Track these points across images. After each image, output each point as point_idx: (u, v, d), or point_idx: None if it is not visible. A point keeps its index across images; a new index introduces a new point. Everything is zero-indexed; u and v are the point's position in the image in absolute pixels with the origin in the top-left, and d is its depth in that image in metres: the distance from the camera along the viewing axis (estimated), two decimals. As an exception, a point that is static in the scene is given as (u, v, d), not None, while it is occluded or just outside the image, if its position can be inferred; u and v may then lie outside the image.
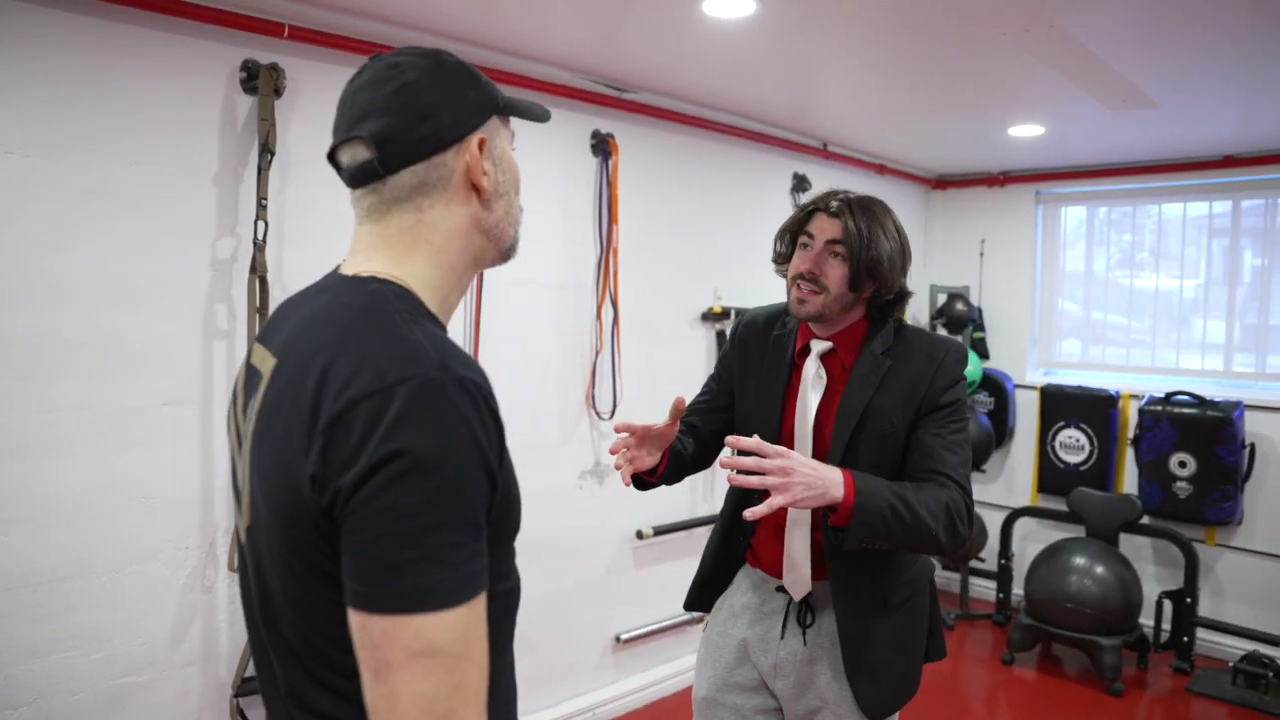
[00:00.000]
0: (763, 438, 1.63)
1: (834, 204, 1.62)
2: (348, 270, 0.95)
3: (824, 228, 1.61)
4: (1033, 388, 4.56)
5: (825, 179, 4.14)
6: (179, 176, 2.21)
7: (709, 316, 3.69)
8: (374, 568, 0.74)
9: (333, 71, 2.45)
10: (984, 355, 4.65)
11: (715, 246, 3.72)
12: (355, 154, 0.93)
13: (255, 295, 2.28)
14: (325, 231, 2.49)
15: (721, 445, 1.82)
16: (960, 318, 4.50)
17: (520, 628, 2.98)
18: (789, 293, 1.67)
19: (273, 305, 2.37)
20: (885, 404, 1.58)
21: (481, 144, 0.95)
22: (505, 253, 1.04)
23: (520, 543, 3.15)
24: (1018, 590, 4.32)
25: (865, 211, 1.60)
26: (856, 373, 1.62)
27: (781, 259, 1.74)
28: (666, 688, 3.55)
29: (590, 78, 3.11)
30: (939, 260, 4.94)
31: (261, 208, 2.27)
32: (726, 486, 1.70)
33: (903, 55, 2.79)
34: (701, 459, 1.82)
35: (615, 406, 3.32)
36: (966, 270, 4.80)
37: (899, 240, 1.63)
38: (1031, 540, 4.45)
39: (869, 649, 1.62)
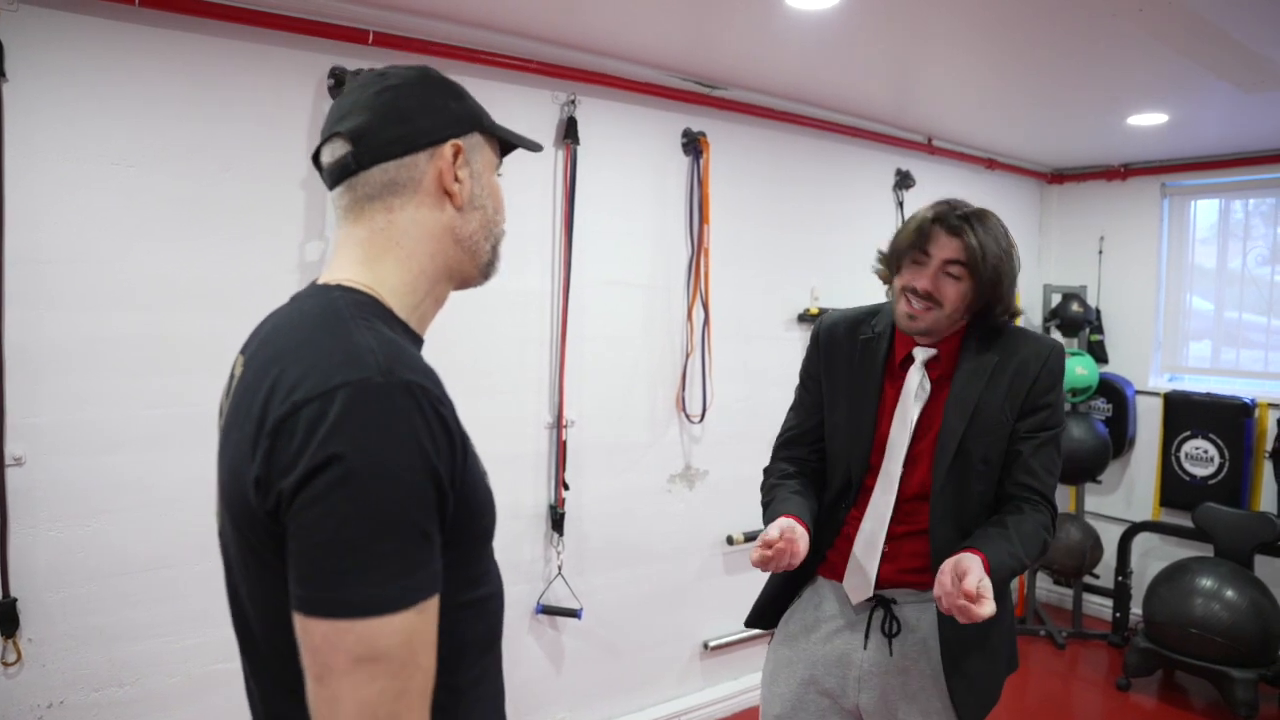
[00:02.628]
0: (855, 451, 1.63)
1: (954, 220, 1.54)
2: (322, 279, 0.96)
3: (942, 246, 1.55)
4: (1155, 394, 4.25)
5: (930, 175, 3.97)
6: (270, 182, 2.28)
7: (806, 318, 3.58)
8: (315, 572, 0.74)
9: (421, 75, 2.48)
10: (1102, 359, 4.37)
11: (812, 246, 3.61)
12: (334, 150, 0.94)
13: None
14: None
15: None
16: (1076, 319, 4.23)
17: (605, 631, 2.93)
18: (897, 303, 1.61)
19: (363, 307, 2.41)
20: (994, 400, 1.55)
21: (457, 151, 0.95)
22: (483, 269, 1.04)
23: (605, 546, 3.14)
24: (1136, 610, 4.03)
25: (986, 229, 1.55)
26: (963, 369, 1.57)
27: (891, 267, 1.66)
28: (755, 697, 3.44)
29: (680, 75, 3.06)
30: (1054, 259, 4.67)
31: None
32: None
33: (1006, 41, 2.62)
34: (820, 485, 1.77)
35: (705, 410, 3.26)
36: (1084, 269, 4.51)
37: (1014, 255, 1.59)
38: (1153, 557, 4.15)
39: (968, 656, 1.57)
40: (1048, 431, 1.56)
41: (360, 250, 0.94)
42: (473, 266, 1.02)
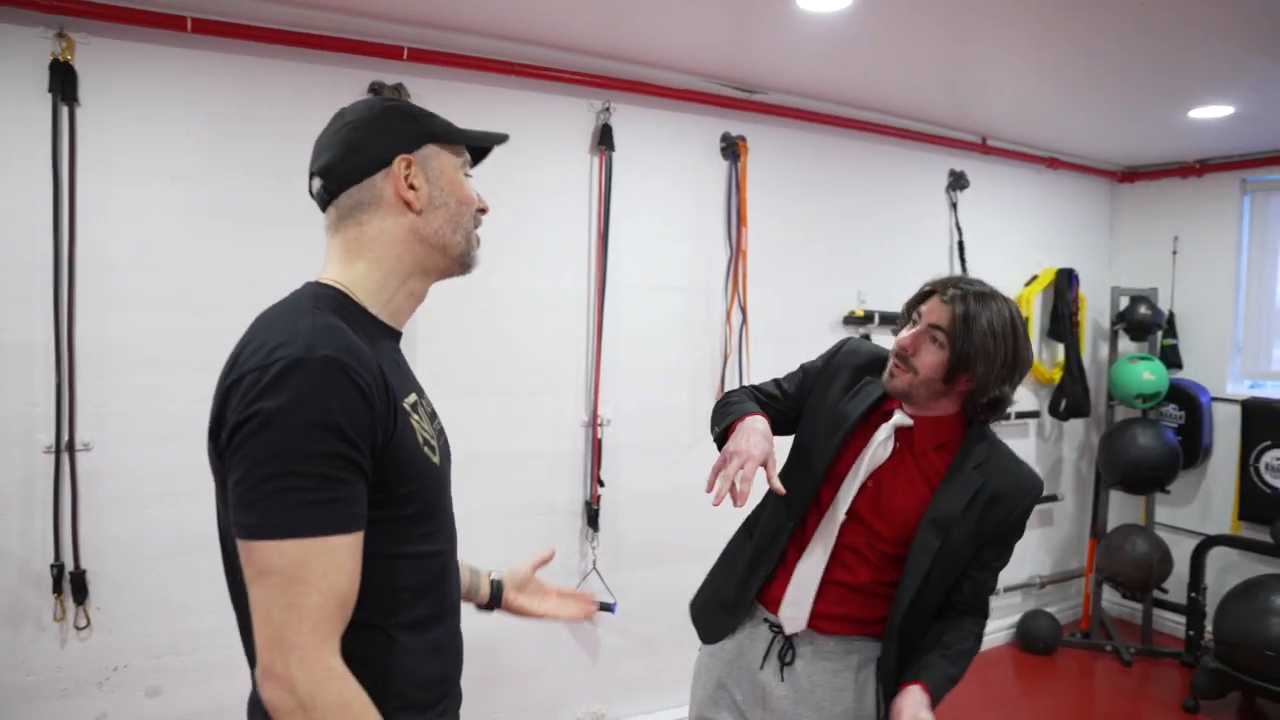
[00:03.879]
0: (808, 477, 1.66)
1: (950, 291, 1.55)
2: (316, 278, 1.13)
3: (932, 310, 1.56)
4: (1234, 401, 4.04)
5: (986, 175, 3.90)
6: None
7: (851, 320, 3.57)
8: (237, 502, 0.93)
9: (454, 88, 2.62)
10: (1175, 364, 4.18)
11: (858, 248, 3.60)
12: (314, 185, 1.13)
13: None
14: (450, 239, 2.66)
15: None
16: (1144, 323, 4.06)
17: (640, 628, 3.03)
18: (889, 363, 1.64)
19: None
20: (966, 529, 1.57)
21: (408, 164, 1.11)
22: (459, 260, 1.17)
23: (642, 543, 3.20)
24: (1211, 627, 3.83)
25: (981, 306, 1.52)
26: (950, 484, 1.58)
27: (900, 327, 1.69)
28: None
29: (717, 81, 3.12)
30: (1124, 261, 4.49)
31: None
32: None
33: (1060, 31, 2.55)
34: None
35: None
36: (1156, 271, 4.33)
37: (1010, 345, 1.53)
38: (1231, 573, 3.93)
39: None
40: (998, 562, 1.62)
41: (340, 256, 1.12)
42: (445, 259, 1.15)
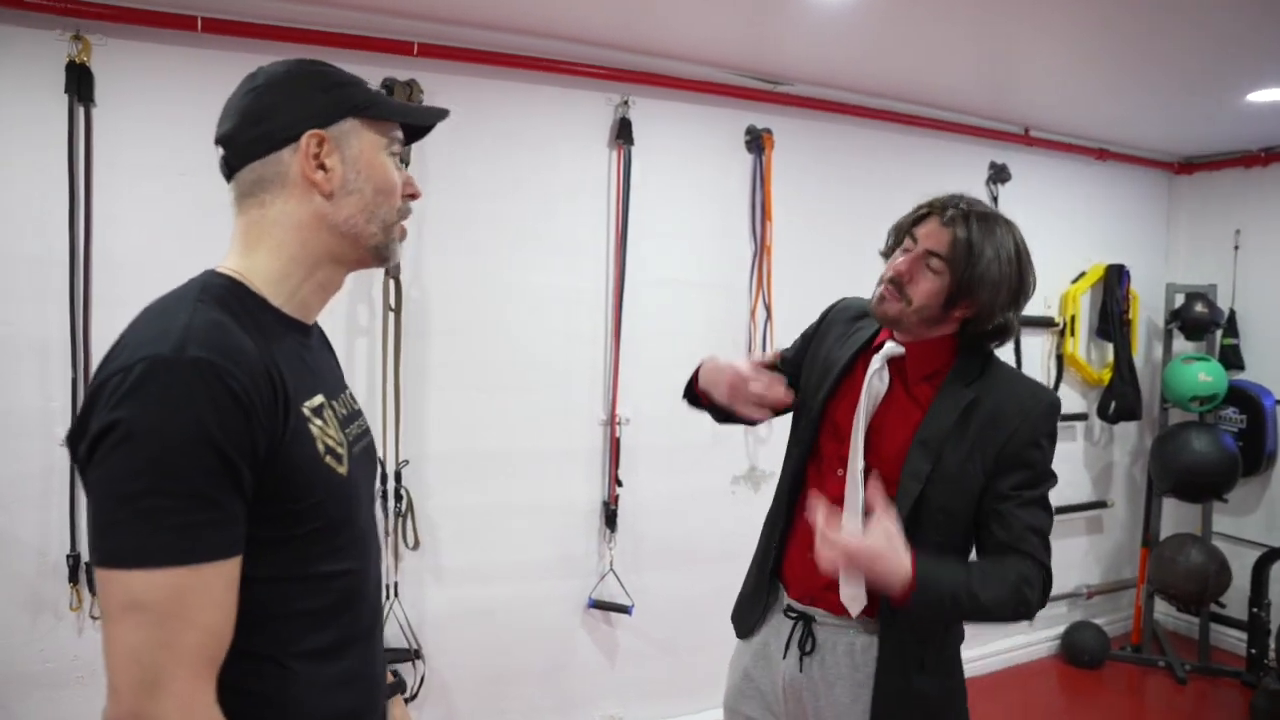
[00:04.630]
0: (805, 419, 1.60)
1: (950, 212, 1.44)
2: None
3: (929, 234, 1.45)
4: (1301, 405, 3.80)
5: (1029, 167, 3.75)
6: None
7: (882, 318, 3.46)
8: (95, 524, 0.82)
9: (466, 83, 2.61)
10: (1237, 365, 3.95)
11: (890, 244, 3.48)
12: (218, 154, 1.02)
13: (390, 295, 2.48)
14: (460, 234, 2.65)
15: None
16: (1200, 321, 3.85)
17: (664, 632, 3.01)
18: (875, 288, 1.54)
19: (408, 305, 2.56)
20: (964, 445, 1.42)
21: (321, 141, 0.98)
22: (373, 252, 1.05)
23: (661, 544, 3.16)
24: (1276, 646, 3.61)
25: (983, 227, 1.42)
26: (938, 404, 1.45)
27: (889, 253, 1.60)
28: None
29: (740, 73, 3.04)
30: (1182, 256, 4.27)
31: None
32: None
33: (1105, 11, 2.40)
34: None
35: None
36: (1215, 266, 4.10)
37: (1015, 268, 1.43)
38: (1298, 589, 3.71)
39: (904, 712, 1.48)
40: (1032, 491, 1.41)
41: (239, 240, 1.01)
42: (357, 250, 1.04)
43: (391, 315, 2.49)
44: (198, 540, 0.82)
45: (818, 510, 1.29)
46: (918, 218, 1.50)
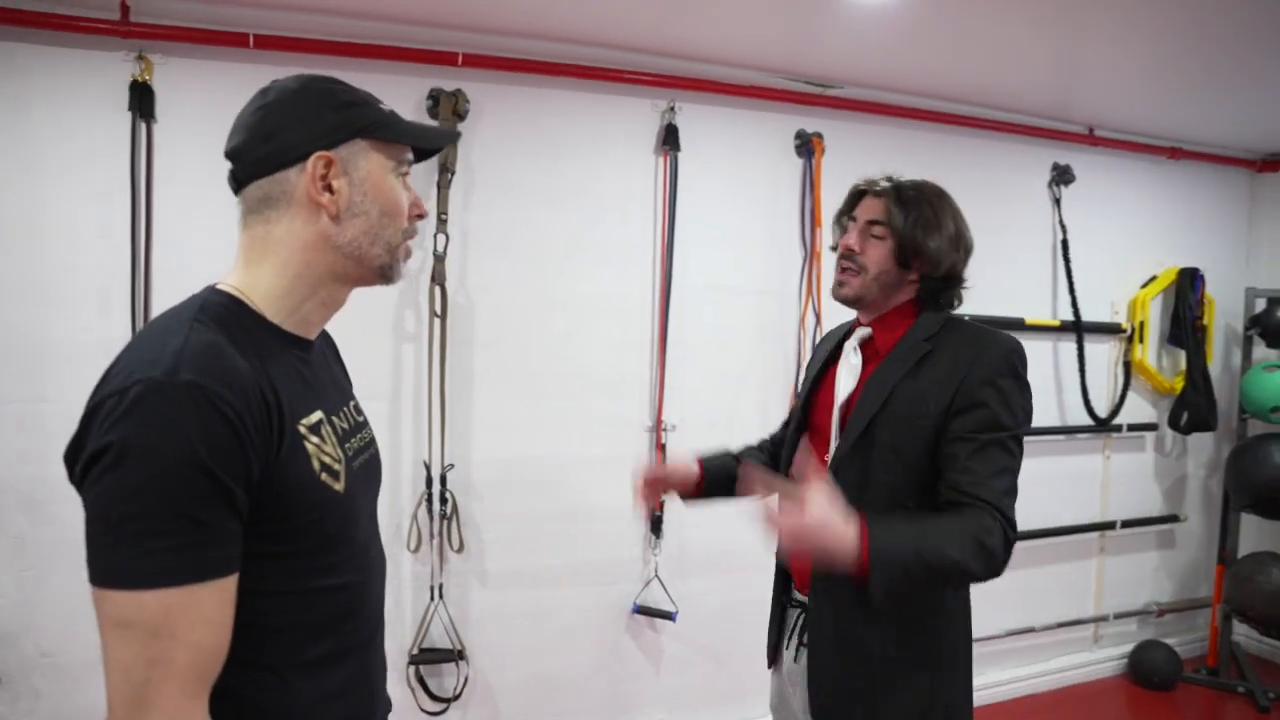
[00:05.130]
0: (795, 427, 1.67)
1: (881, 184, 1.59)
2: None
3: (866, 208, 1.58)
4: (1393, 417, 3.57)
5: (1094, 168, 3.62)
6: (376, 198, 2.51)
7: (938, 324, 3.38)
8: (89, 545, 0.84)
9: (511, 92, 2.64)
10: (1324, 374, 3.74)
11: (946, 248, 3.40)
12: (228, 168, 1.03)
13: (436, 302, 2.52)
14: (505, 242, 2.68)
15: None
16: (1283, 328, 3.65)
17: (708, 638, 3.02)
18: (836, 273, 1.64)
19: (454, 311, 2.60)
20: (916, 388, 1.45)
21: (329, 164, 0.99)
22: (378, 272, 1.06)
23: (706, 552, 3.15)
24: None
25: (913, 191, 1.56)
26: (893, 355, 1.51)
27: (836, 243, 1.69)
28: None
29: (789, 76, 3.01)
30: (1263, 259, 4.05)
31: (441, 222, 2.50)
32: None
33: (1175, 6, 2.31)
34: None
35: (818, 418, 3.17)
36: (1301, 270, 3.89)
37: (953, 223, 1.55)
38: (1387, 612, 3.48)
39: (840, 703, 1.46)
40: (989, 434, 1.37)
41: (243, 256, 1.03)
42: (361, 270, 1.05)
43: (437, 322, 2.54)
44: (185, 562, 0.83)
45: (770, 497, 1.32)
46: (853, 200, 1.63)
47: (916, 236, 1.50)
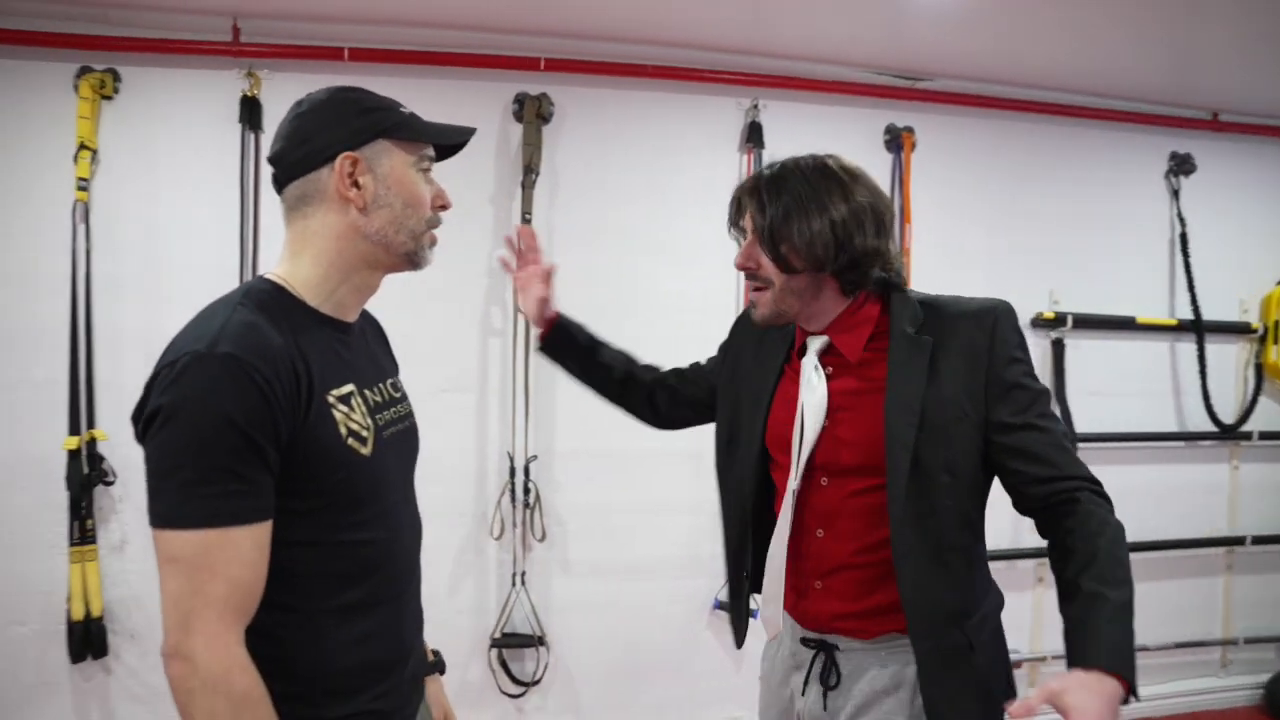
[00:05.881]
0: (747, 447, 1.47)
1: (748, 184, 1.38)
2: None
3: (749, 219, 1.36)
4: None
5: (1218, 156, 3.39)
6: (463, 197, 2.59)
7: (1040, 323, 3.24)
8: (149, 492, 0.98)
9: (594, 95, 2.71)
10: None
11: (1050, 244, 3.26)
12: (270, 172, 1.16)
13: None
14: (588, 240, 2.75)
15: (678, 416, 1.77)
16: None
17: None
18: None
19: (536, 308, 2.69)
20: (944, 393, 1.28)
21: (354, 162, 1.10)
22: (407, 257, 1.17)
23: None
24: None
25: (775, 179, 1.34)
26: (895, 361, 1.32)
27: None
28: None
29: (878, 70, 2.96)
30: None
31: (526, 221, 2.60)
32: None
33: None
34: (640, 398, 1.78)
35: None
36: None
37: (843, 198, 1.32)
38: None
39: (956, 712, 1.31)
40: (1036, 408, 1.28)
41: (287, 248, 1.16)
42: (390, 257, 1.16)
43: (522, 317, 2.63)
44: (223, 508, 0.96)
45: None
46: (735, 209, 1.42)
47: (781, 232, 1.29)
